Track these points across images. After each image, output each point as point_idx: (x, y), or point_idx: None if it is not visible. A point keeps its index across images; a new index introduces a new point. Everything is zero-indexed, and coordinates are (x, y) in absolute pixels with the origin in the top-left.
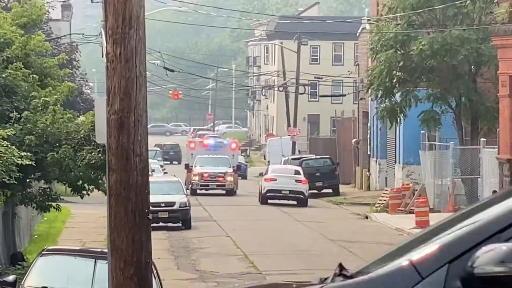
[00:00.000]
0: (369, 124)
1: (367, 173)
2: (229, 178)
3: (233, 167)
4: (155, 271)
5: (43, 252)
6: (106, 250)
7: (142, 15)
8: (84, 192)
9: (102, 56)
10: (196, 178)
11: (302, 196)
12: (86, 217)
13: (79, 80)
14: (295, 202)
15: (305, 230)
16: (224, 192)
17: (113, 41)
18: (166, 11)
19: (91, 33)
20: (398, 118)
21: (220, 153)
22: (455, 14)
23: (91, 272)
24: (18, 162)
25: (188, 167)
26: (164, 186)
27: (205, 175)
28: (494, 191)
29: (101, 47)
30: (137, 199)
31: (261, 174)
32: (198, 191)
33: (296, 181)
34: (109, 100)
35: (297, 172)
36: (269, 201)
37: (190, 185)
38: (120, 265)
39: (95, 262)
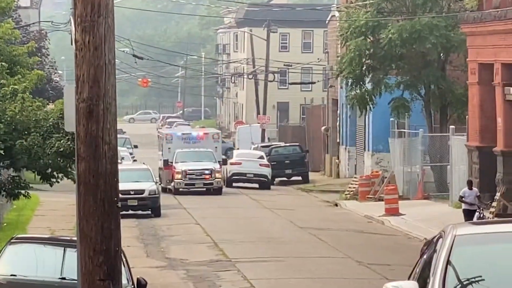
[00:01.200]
0: (338, 112)
1: (337, 160)
2: (217, 175)
3: (219, 161)
4: (124, 259)
5: (12, 241)
6: (75, 238)
7: (111, 2)
8: (54, 180)
9: (72, 44)
10: (179, 176)
11: (265, 179)
12: (55, 205)
13: (48, 68)
14: (257, 185)
15: (275, 218)
16: (211, 190)
17: (82, 29)
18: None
19: (60, 21)
20: (368, 106)
21: (201, 145)
22: (424, 1)
23: (60, 260)
24: None
25: (167, 163)
26: (133, 174)
27: (190, 172)
28: (470, 181)
29: (70, 34)
30: (106, 187)
31: (224, 160)
32: (181, 190)
33: (260, 165)
34: (78, 88)
35: (261, 157)
36: (234, 184)
37: (171, 184)
38: (89, 253)
39: (64, 250)
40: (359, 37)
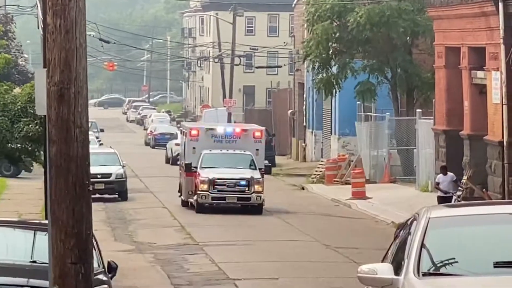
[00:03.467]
0: (304, 96)
1: (303, 144)
2: (257, 188)
3: (260, 168)
4: (95, 243)
5: None
6: (44, 222)
7: None
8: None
9: (38, 28)
10: (205, 186)
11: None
12: (23, 188)
13: (14, 52)
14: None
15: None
16: (248, 208)
17: (53, 13)
18: None
19: (27, 5)
20: (334, 90)
21: (237, 146)
22: None
23: (30, 243)
24: None
25: (189, 168)
26: (100, 158)
27: (219, 182)
28: (443, 167)
29: (37, 18)
30: (78, 170)
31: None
32: (206, 205)
33: None
34: (49, 71)
35: None
36: (179, 163)
37: (194, 196)
38: (60, 237)
39: (34, 233)
40: (326, 21)
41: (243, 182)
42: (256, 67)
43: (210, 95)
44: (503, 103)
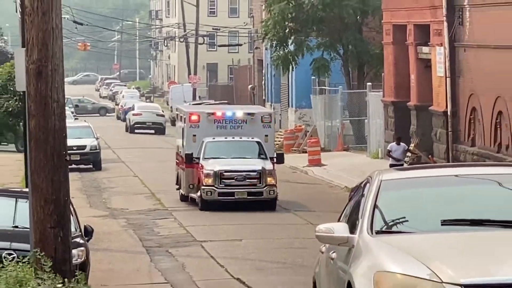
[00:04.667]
0: (263, 71)
1: None
2: (270, 181)
3: (271, 157)
4: (72, 209)
5: None
6: (25, 190)
7: None
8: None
9: (16, 12)
10: (210, 180)
11: (161, 126)
12: (3, 160)
13: None
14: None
15: None
16: (261, 204)
17: None
18: None
19: None
20: (291, 66)
21: (244, 132)
22: None
23: (12, 210)
24: None
25: (190, 160)
26: (75, 131)
27: (227, 175)
28: (399, 137)
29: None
30: (55, 142)
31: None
32: (212, 201)
33: (157, 115)
34: (28, 51)
35: (157, 108)
36: (136, 131)
37: (197, 192)
38: (40, 203)
39: (16, 201)
40: (283, 2)
41: (254, 174)
42: (219, 46)
43: (176, 72)
44: (447, 76)
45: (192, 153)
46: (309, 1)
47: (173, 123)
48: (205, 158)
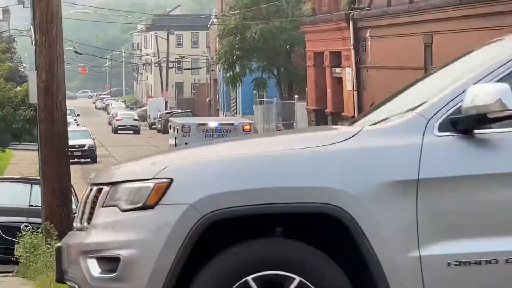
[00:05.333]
0: (217, 88)
1: None
2: None
3: None
4: (73, 191)
5: None
6: (38, 178)
7: (59, 13)
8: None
9: (32, 44)
10: None
11: (137, 128)
12: (23, 156)
13: (16, 62)
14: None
15: None
16: None
17: (40, 32)
18: (75, 12)
19: (24, 29)
20: (238, 83)
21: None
22: (276, 10)
23: (28, 193)
24: None
25: None
26: (77, 134)
27: None
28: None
29: (31, 38)
30: (59, 142)
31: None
32: None
33: (133, 119)
34: (38, 73)
35: (134, 115)
36: (119, 131)
37: None
38: (49, 188)
39: (31, 186)
40: (231, 36)
41: None
42: (184, 69)
43: (153, 89)
44: (354, 89)
45: None
46: (250, 35)
47: (150, 127)
48: None
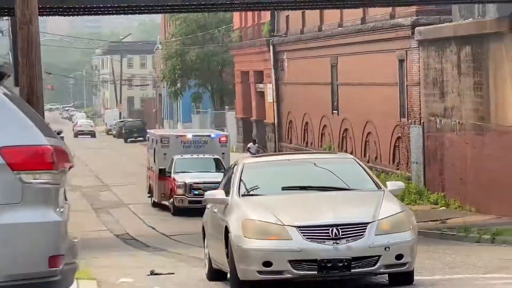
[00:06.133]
0: (162, 100)
1: (161, 127)
2: None
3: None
4: None
5: None
6: None
7: (38, 39)
8: None
9: (14, 65)
10: (181, 191)
11: (93, 133)
12: None
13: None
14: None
15: (131, 161)
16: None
17: (22, 55)
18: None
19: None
20: (179, 97)
21: (205, 151)
22: (209, 37)
23: None
24: None
25: (164, 173)
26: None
27: (196, 186)
28: (254, 140)
29: (8, 60)
30: None
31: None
32: (183, 208)
33: (90, 126)
34: (21, 88)
35: (90, 123)
36: (79, 136)
37: (169, 200)
38: None
39: None
40: (173, 58)
41: (216, 186)
42: (135, 86)
43: (109, 102)
44: (274, 101)
45: (165, 168)
46: (189, 58)
47: (107, 132)
48: (176, 172)
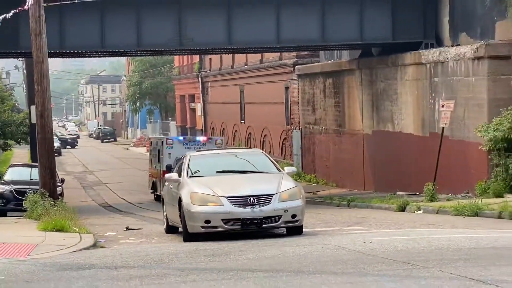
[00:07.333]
0: (127, 114)
1: (126, 132)
2: None
3: None
4: (58, 173)
5: (10, 165)
6: (36, 164)
7: (48, 73)
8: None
9: (23, 91)
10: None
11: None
12: (22, 153)
13: (14, 101)
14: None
15: (105, 154)
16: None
17: (37, 83)
18: None
19: (19, 82)
20: (137, 112)
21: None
22: (158, 72)
23: (29, 172)
24: None
25: (170, 169)
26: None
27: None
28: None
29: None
30: (49, 143)
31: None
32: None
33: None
34: (36, 106)
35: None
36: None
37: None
38: (43, 169)
39: (31, 168)
40: (134, 86)
41: None
42: (108, 104)
43: (90, 115)
44: (202, 115)
45: (171, 165)
46: (145, 86)
47: (89, 136)
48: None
